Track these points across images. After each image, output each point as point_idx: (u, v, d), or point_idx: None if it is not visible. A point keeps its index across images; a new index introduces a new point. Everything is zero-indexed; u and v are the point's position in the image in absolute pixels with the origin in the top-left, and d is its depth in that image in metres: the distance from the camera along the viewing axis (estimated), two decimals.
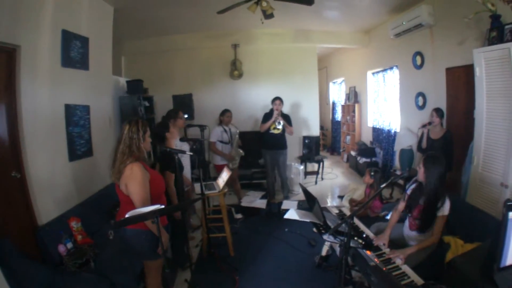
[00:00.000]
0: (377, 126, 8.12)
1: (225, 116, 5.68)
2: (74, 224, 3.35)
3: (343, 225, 2.37)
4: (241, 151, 5.68)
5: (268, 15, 4.55)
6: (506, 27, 3.57)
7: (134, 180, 2.35)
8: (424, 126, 4.73)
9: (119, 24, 5.06)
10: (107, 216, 3.92)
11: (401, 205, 3.16)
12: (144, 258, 2.73)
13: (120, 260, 3.10)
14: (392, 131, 7.25)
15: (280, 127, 5.67)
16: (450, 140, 4.49)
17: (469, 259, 2.08)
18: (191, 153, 3.63)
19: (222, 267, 3.82)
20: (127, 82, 6.10)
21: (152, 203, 2.29)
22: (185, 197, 3.83)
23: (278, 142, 5.81)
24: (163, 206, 2.22)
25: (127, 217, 2.10)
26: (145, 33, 6.97)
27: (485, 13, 3.83)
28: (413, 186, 3.10)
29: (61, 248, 3.08)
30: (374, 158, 7.82)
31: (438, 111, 4.62)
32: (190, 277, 3.52)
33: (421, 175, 2.86)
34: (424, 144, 4.73)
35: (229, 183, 5.62)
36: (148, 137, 2.55)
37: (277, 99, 5.68)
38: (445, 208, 2.78)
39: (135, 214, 2.12)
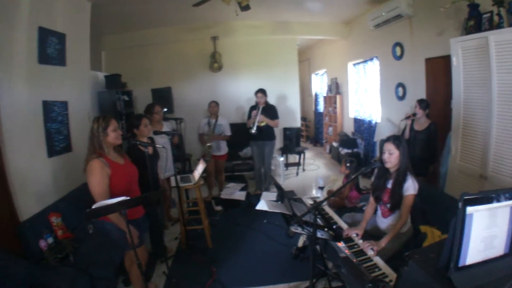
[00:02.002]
0: (359, 117, 8.21)
1: (209, 107, 5.70)
2: (54, 220, 3.37)
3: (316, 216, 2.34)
4: (208, 144, 5.57)
5: (244, 7, 4.49)
6: (484, 16, 3.55)
7: (91, 176, 2.52)
8: (407, 117, 4.57)
9: (98, 19, 5.00)
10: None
11: (372, 199, 3.15)
12: (125, 249, 2.85)
13: (99, 254, 3.13)
14: (373, 122, 7.35)
15: (262, 124, 5.61)
16: (434, 132, 4.37)
17: (426, 255, 1.88)
18: (161, 146, 3.68)
19: (199, 259, 3.88)
20: (105, 77, 6.07)
21: (121, 196, 2.34)
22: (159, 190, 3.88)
23: (264, 133, 5.79)
24: (128, 198, 2.30)
25: (94, 208, 2.20)
26: (124, 27, 6.89)
27: (464, 2, 3.81)
28: (375, 174, 3.12)
29: (42, 243, 3.10)
30: (356, 148, 7.91)
31: (421, 102, 4.44)
32: (168, 269, 3.57)
33: (394, 159, 2.81)
34: (406, 134, 4.58)
35: (213, 174, 5.73)
36: (113, 131, 2.63)
37: (258, 92, 5.64)
38: (410, 187, 2.76)
39: (101, 205, 2.22)
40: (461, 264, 1.62)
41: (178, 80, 7.52)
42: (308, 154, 8.47)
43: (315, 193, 6.49)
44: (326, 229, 2.51)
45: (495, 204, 1.64)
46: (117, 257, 3.15)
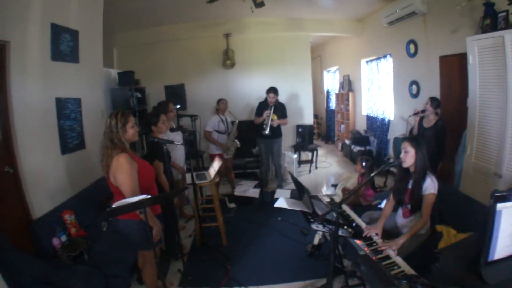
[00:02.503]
0: (371, 115, 8.13)
1: (220, 104, 5.67)
2: (68, 217, 3.37)
3: (333, 214, 2.34)
4: (237, 142, 5.66)
5: (258, 4, 4.51)
6: (500, 15, 3.56)
7: (122, 171, 2.40)
8: (416, 113, 4.61)
9: (110, 16, 5.00)
10: (100, 209, 3.91)
11: (392, 198, 3.11)
12: (139, 248, 2.82)
13: (113, 252, 3.13)
14: (386, 120, 7.27)
15: (268, 129, 5.52)
16: (442, 129, 4.37)
17: (455, 251, 1.99)
18: (181, 143, 3.66)
19: (215, 256, 3.86)
20: (118, 74, 6.06)
21: (144, 194, 2.32)
22: (175, 186, 3.85)
23: (273, 131, 5.74)
24: (149, 196, 2.27)
25: (114, 208, 2.14)
26: (136, 24, 6.90)
27: (479, 1, 3.81)
28: (396, 177, 3.09)
29: (55, 241, 3.10)
30: (368, 146, 7.85)
31: (433, 100, 4.47)
32: (183, 267, 3.57)
33: (410, 159, 2.79)
34: (415, 131, 4.61)
35: (223, 172, 5.69)
36: (131, 127, 2.57)
37: (270, 91, 5.56)
38: (430, 186, 2.74)
39: (122, 204, 2.16)
40: (490, 259, 1.70)
41: (191, 77, 7.50)
42: (320, 151, 8.39)
43: (327, 190, 6.42)
44: (345, 227, 2.52)
45: None
46: (131, 255, 3.13)
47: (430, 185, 2.75)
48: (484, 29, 3.76)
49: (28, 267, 2.60)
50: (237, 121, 5.79)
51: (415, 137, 2.87)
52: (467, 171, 4.09)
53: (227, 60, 7.45)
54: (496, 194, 1.65)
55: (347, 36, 8.58)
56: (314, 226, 2.57)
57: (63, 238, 3.20)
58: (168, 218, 3.57)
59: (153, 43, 7.40)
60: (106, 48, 4.98)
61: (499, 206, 1.66)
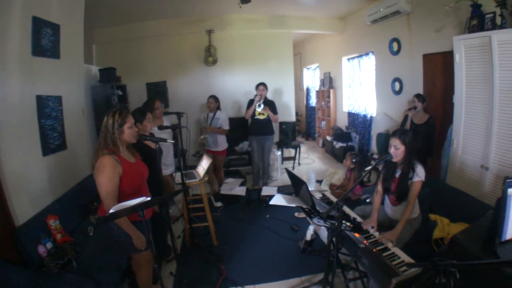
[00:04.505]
0: (353, 111, 8.20)
1: (207, 102, 5.59)
2: (52, 222, 3.19)
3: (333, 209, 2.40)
4: (202, 136, 5.50)
5: (244, 0, 4.47)
6: (487, 16, 3.69)
7: (101, 173, 2.30)
8: (410, 109, 4.80)
9: (90, 11, 4.79)
10: (85, 212, 3.79)
11: (380, 187, 3.19)
12: (129, 252, 2.70)
13: (104, 257, 2.99)
14: (368, 116, 7.34)
15: (260, 109, 5.56)
16: (433, 126, 4.59)
17: (469, 235, 2.21)
18: (173, 141, 3.55)
19: (207, 257, 3.79)
20: (100, 70, 5.85)
21: (132, 197, 2.24)
22: (163, 187, 3.73)
23: (265, 128, 5.76)
24: (149, 199, 2.19)
25: (113, 212, 2.03)
26: (117, 20, 6.67)
27: (464, 2, 3.93)
28: (382, 166, 3.16)
29: (41, 249, 2.93)
30: (350, 142, 7.94)
31: (419, 96, 4.72)
32: (176, 269, 3.49)
33: (401, 153, 2.87)
34: (407, 127, 4.75)
35: (211, 170, 5.59)
36: (129, 128, 2.46)
37: (260, 85, 5.59)
38: (418, 174, 2.83)
39: (121, 208, 2.06)
40: (503, 239, 1.93)
41: (173, 74, 7.36)
42: (302, 148, 8.42)
43: (311, 186, 6.42)
44: (344, 221, 2.53)
45: None
46: (123, 260, 3.01)
47: (419, 173, 2.84)
48: (471, 29, 3.89)
49: (15, 277, 2.45)
50: (225, 117, 5.64)
51: (403, 131, 2.93)
52: (454, 164, 4.21)
53: (209, 57, 7.31)
54: (508, 180, 1.85)
55: (328, 33, 8.61)
56: (315, 221, 2.57)
57: (49, 245, 3.02)
58: (156, 220, 3.47)
59: (134, 39, 7.17)
60: (85, 44, 4.77)
61: (510, 191, 1.85)
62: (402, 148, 2.85)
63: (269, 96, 7.21)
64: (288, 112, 7.97)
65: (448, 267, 1.21)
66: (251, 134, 5.87)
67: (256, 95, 5.62)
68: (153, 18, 6.91)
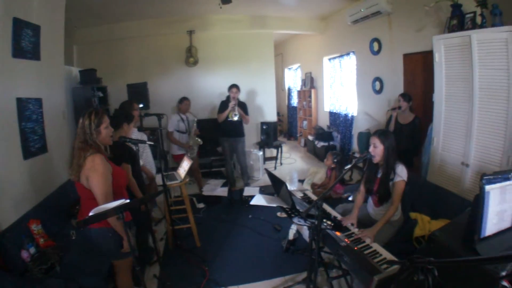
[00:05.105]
0: (334, 111, 8.28)
1: (182, 104, 5.61)
2: (35, 227, 3.12)
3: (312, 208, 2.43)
4: (199, 140, 5.59)
5: (225, 0, 4.48)
6: (467, 15, 3.75)
7: (96, 172, 2.24)
8: (393, 109, 4.81)
9: (70, 12, 4.70)
10: (67, 216, 3.73)
11: (362, 187, 3.24)
12: (112, 258, 2.63)
13: (86, 262, 2.95)
14: (349, 115, 7.43)
15: (236, 118, 5.60)
16: (418, 126, 4.59)
17: (448, 232, 2.23)
18: (152, 143, 3.53)
19: (190, 259, 3.78)
20: (80, 72, 5.75)
21: (115, 198, 2.21)
22: (145, 188, 3.72)
23: (236, 130, 5.80)
24: (128, 201, 2.15)
25: (92, 215, 1.94)
26: (97, 21, 6.56)
27: (444, 2, 3.99)
28: (366, 166, 3.21)
29: (24, 254, 2.87)
30: (332, 142, 8.03)
31: (404, 96, 4.70)
32: (159, 272, 3.48)
33: (379, 152, 2.91)
34: (391, 127, 4.76)
35: (189, 173, 5.59)
36: (105, 128, 2.40)
37: (233, 87, 5.60)
38: (400, 174, 2.87)
39: (100, 211, 1.99)
40: (482, 235, 1.93)
41: (153, 75, 7.28)
42: (284, 148, 8.49)
43: (292, 186, 6.50)
44: (325, 220, 2.60)
45: (506, 183, 1.96)
46: (105, 264, 2.96)
47: (400, 173, 2.88)
48: (451, 29, 3.93)
49: (1, 283, 2.42)
50: (195, 119, 5.74)
51: (383, 132, 2.99)
52: (434, 162, 4.28)
53: (190, 57, 7.27)
54: (485, 177, 1.88)
55: (310, 34, 8.68)
56: (295, 220, 2.59)
57: (32, 250, 2.96)
58: (138, 222, 3.47)
59: (114, 40, 7.06)
60: (65, 45, 4.70)
61: (487, 187, 1.89)
62: (381, 147, 2.89)
63: (251, 95, 7.28)
64: (269, 112, 8.00)
65: (425, 265, 1.21)
66: (222, 136, 5.90)
67: (228, 97, 5.66)
68: (134, 19, 6.82)
